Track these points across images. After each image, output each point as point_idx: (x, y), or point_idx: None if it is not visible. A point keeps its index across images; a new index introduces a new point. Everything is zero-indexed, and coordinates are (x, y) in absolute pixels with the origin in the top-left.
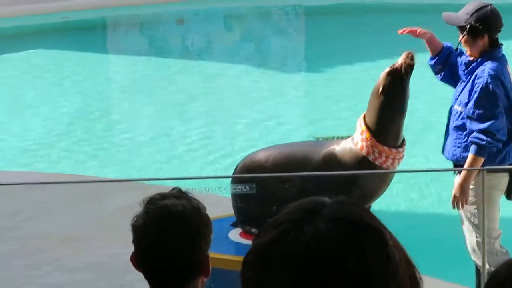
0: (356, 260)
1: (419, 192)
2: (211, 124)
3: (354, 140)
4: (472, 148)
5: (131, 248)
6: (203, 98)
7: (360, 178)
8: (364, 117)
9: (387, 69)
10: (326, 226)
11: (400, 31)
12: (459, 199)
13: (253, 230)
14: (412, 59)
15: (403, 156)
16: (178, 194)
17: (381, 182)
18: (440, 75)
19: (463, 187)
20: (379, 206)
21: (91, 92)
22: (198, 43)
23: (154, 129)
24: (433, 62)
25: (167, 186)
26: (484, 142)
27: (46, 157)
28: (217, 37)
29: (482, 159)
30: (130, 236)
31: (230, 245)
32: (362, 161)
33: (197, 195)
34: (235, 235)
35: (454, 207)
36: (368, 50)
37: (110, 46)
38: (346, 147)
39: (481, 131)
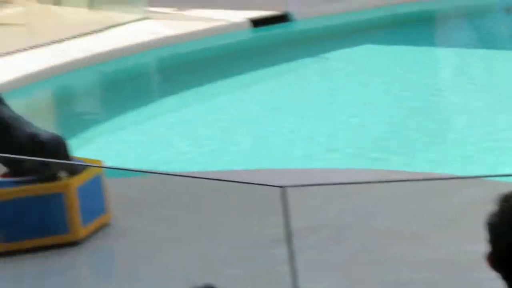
0: None
1: None
2: None
3: None
4: None
5: (479, 246)
6: None
7: None
8: None
9: None
10: None
11: None
12: None
13: None
14: None
15: None
16: None
17: None
18: None
19: None
20: None
21: (424, 87)
22: None
23: (481, 124)
24: None
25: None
26: None
27: (382, 153)
28: None
29: None
30: (478, 233)
31: None
32: None
33: None
34: None
35: None
36: None
37: (438, 39)
38: None
39: None
